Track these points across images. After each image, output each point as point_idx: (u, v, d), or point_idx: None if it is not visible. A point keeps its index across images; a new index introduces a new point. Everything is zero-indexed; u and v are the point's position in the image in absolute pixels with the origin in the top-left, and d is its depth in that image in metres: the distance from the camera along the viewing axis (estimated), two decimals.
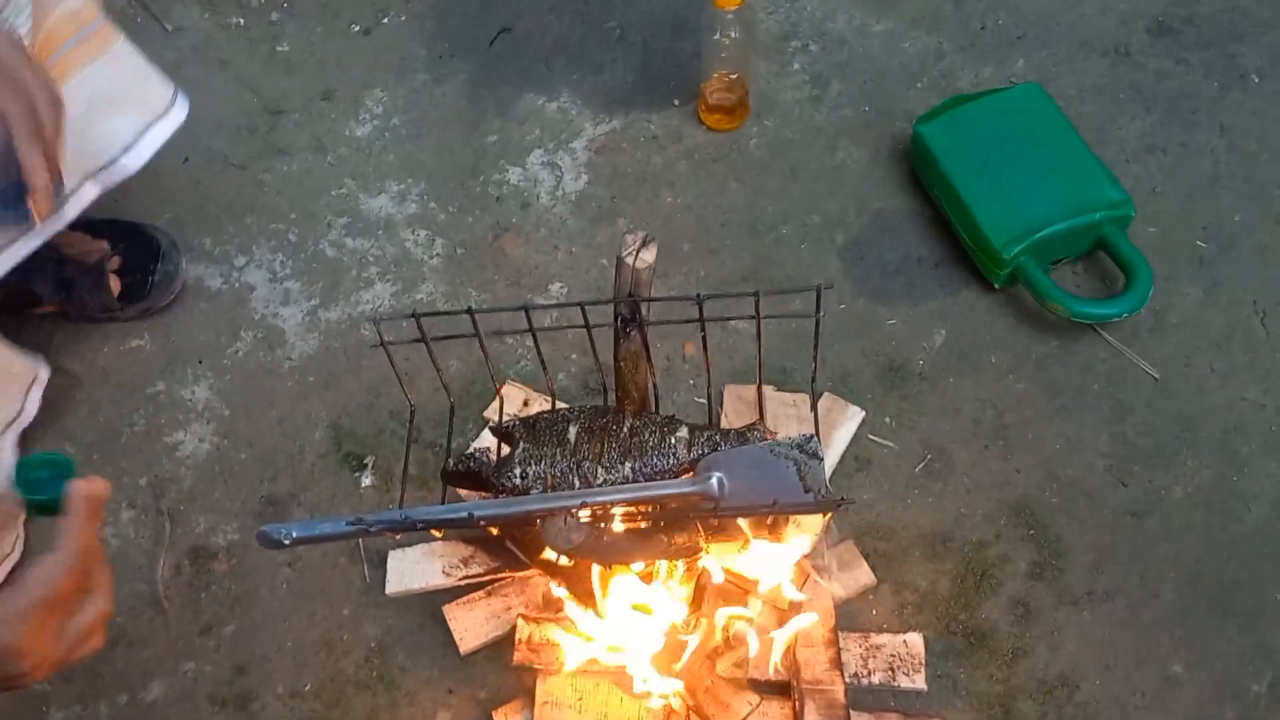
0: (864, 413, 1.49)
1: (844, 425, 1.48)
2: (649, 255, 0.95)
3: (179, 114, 1.41)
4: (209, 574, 1.43)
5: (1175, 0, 1.86)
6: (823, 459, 0.95)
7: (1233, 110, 1.74)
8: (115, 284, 1.57)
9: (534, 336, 1.01)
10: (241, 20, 1.93)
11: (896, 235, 1.66)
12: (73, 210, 1.32)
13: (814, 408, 1.10)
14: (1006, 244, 1.52)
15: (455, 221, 1.71)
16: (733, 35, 1.62)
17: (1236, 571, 1.38)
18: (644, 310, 0.97)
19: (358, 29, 1.91)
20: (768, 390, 1.47)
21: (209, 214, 1.72)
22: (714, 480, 0.95)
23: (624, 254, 0.95)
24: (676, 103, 1.80)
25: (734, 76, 1.70)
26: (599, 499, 0.94)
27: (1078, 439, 1.48)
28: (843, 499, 0.92)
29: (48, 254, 1.53)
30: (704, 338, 0.99)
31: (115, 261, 1.57)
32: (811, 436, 0.97)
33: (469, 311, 0.98)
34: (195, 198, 1.73)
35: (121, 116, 1.36)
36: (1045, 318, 1.55)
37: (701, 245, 1.66)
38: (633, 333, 0.98)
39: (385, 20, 1.92)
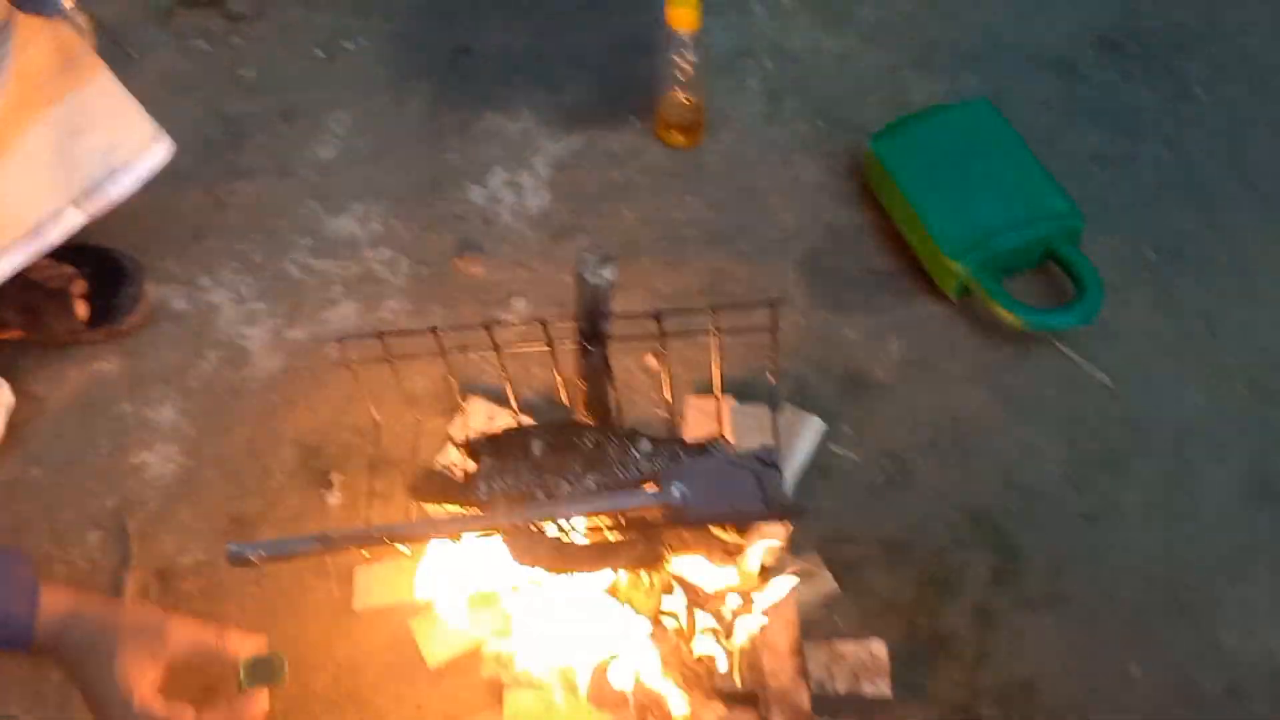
0: (824, 424, 1.51)
1: (804, 436, 1.50)
2: (608, 272, 0.97)
3: (163, 150, 1.45)
4: (177, 595, 1.43)
5: (1120, 16, 1.91)
6: (781, 469, 0.97)
7: (1178, 122, 1.79)
8: (81, 308, 1.57)
9: (498, 353, 1.03)
10: (205, 45, 1.94)
11: (852, 248, 1.70)
12: (56, 235, 1.36)
13: (773, 419, 1.12)
14: (958, 255, 1.56)
15: (418, 240, 1.72)
16: (688, 56, 1.65)
17: (1189, 573, 1.41)
18: (605, 327, 1.00)
19: (320, 53, 1.93)
20: (729, 402, 1.49)
21: (172, 236, 1.73)
22: (675, 490, 0.98)
23: (584, 271, 0.97)
24: (635, 121, 1.83)
25: (690, 97, 1.73)
26: (564, 511, 0.96)
27: (1034, 446, 1.51)
28: (801, 506, 0.94)
29: (13, 279, 1.53)
30: (664, 354, 1.01)
31: (81, 285, 1.57)
32: (770, 447, 0.99)
33: (433, 331, 1.00)
34: (159, 220, 1.74)
35: (107, 145, 1.39)
36: (1000, 328, 1.59)
37: (660, 259, 1.68)
38: (594, 350, 1.00)
39: (347, 44, 1.94)
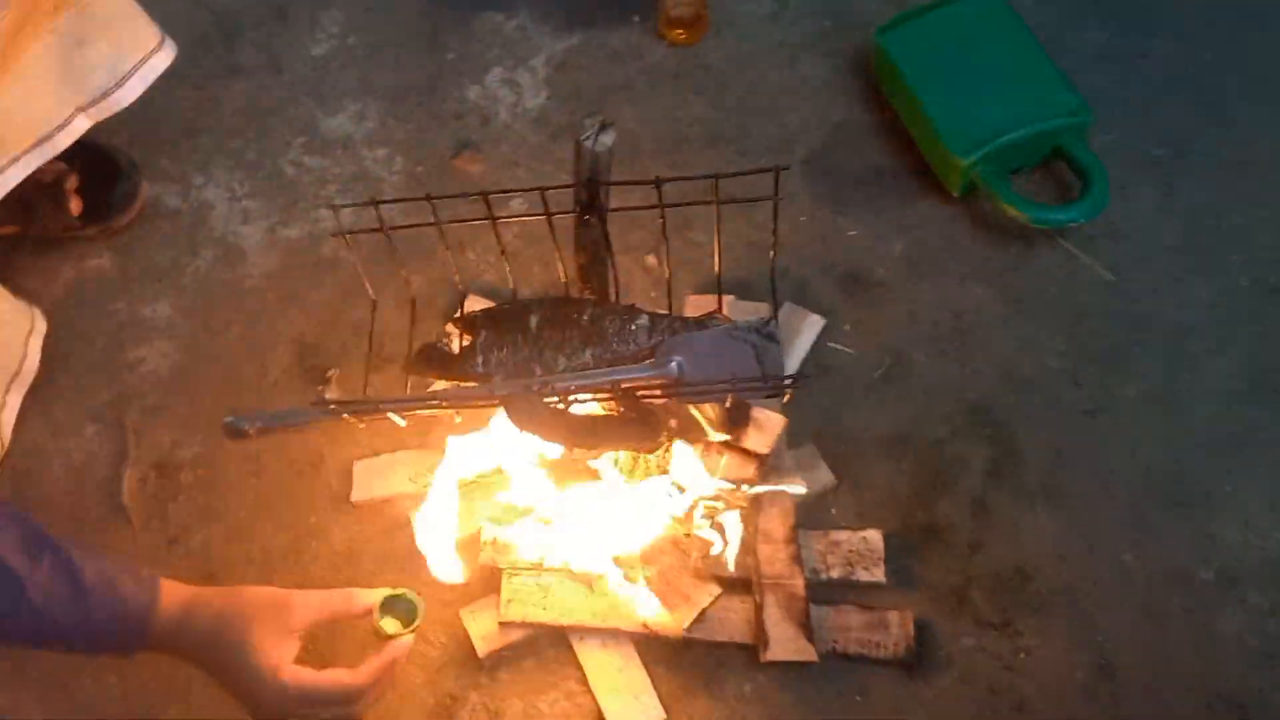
0: (823, 320, 1.50)
1: (804, 333, 1.49)
2: (608, 139, 0.96)
3: (168, 55, 1.44)
4: (175, 486, 1.43)
5: None
6: (779, 340, 0.96)
7: (1188, 18, 1.76)
8: (75, 203, 1.56)
9: (494, 226, 1.01)
10: None
11: (857, 147, 1.67)
12: (65, 140, 1.37)
13: (773, 293, 1.11)
14: (965, 151, 1.53)
15: (414, 139, 1.70)
16: None
17: (1187, 466, 1.41)
18: (604, 195, 0.98)
19: None
20: (729, 299, 1.48)
21: (166, 134, 1.71)
22: (673, 364, 0.97)
23: (583, 138, 0.95)
24: (636, 18, 1.79)
25: None
26: (561, 383, 0.95)
27: (1034, 341, 1.50)
28: (800, 376, 0.94)
29: None
30: (663, 223, 1.00)
31: (74, 180, 1.56)
32: (769, 319, 0.98)
33: (428, 198, 0.98)
34: (152, 117, 1.71)
35: (112, 51, 1.39)
36: (1004, 225, 1.57)
37: (662, 159, 1.66)
38: (592, 219, 0.99)
39: None
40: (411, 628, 1.11)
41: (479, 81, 1.75)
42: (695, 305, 1.50)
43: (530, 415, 0.90)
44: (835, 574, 1.33)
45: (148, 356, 1.52)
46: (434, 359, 1.00)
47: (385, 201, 0.99)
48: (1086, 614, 1.32)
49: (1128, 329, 1.51)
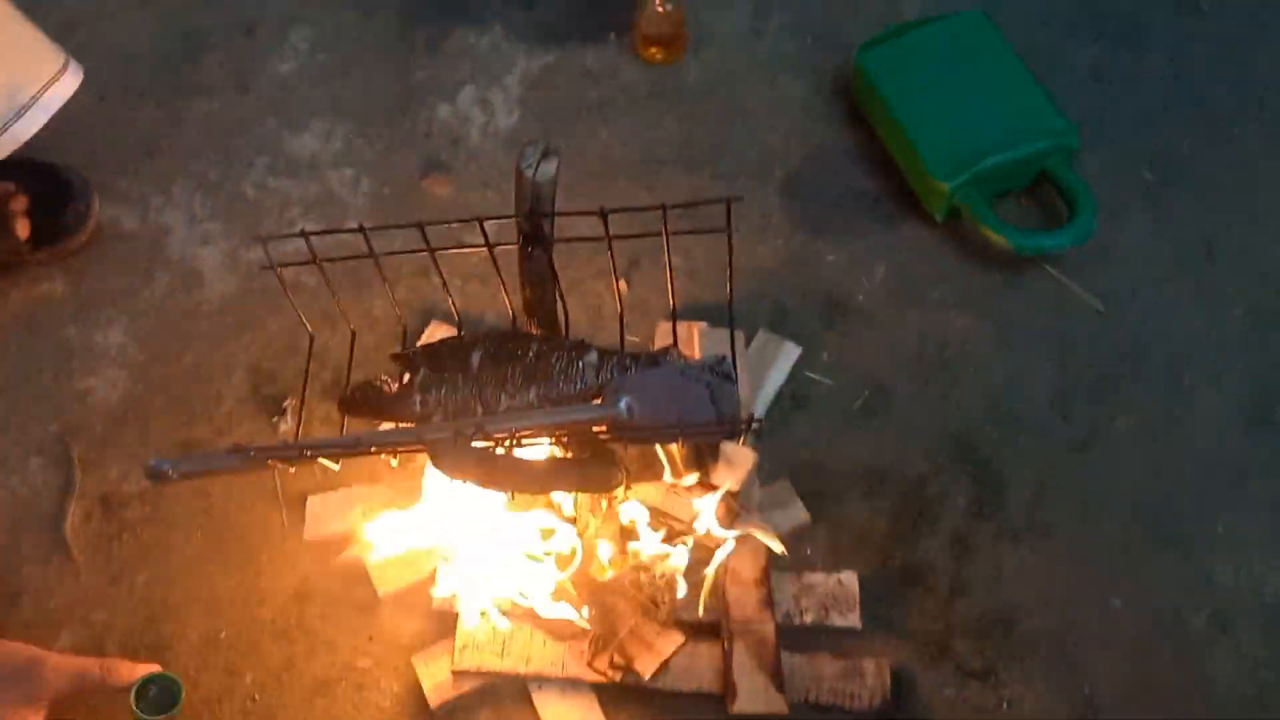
0: (800, 349, 1.45)
1: (779, 362, 1.43)
2: (550, 167, 0.90)
3: (72, 81, 1.37)
4: (120, 522, 1.37)
5: None
6: (735, 380, 0.90)
7: (1183, 38, 1.70)
8: (23, 225, 1.50)
9: (432, 257, 0.96)
10: None
11: (837, 170, 1.62)
12: None
13: (730, 330, 1.05)
14: (947, 174, 1.48)
15: (382, 160, 1.65)
16: None
17: (1179, 502, 1.35)
18: (548, 226, 0.92)
19: None
20: (701, 325, 1.42)
21: (125, 153, 1.65)
22: (622, 404, 0.91)
23: (523, 166, 0.89)
24: (612, 36, 1.74)
25: (669, 7, 1.64)
26: (500, 425, 0.89)
27: (1021, 373, 1.44)
28: (752, 420, 0.87)
29: None
30: (611, 255, 0.94)
31: (22, 201, 1.50)
32: (724, 357, 0.92)
33: (360, 230, 0.92)
34: (111, 136, 1.66)
35: (9, 83, 1.31)
36: (990, 252, 1.51)
37: (637, 180, 1.61)
38: (536, 251, 0.93)
39: None
40: (169, 715, 1.06)
41: (450, 100, 1.70)
42: (665, 332, 1.43)
43: (457, 462, 0.84)
44: (809, 618, 1.26)
45: (98, 385, 1.47)
46: (369, 399, 0.94)
47: (315, 233, 0.93)
48: (1072, 661, 1.26)
49: (1118, 359, 1.45)
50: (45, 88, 1.33)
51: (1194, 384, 1.42)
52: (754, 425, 0.88)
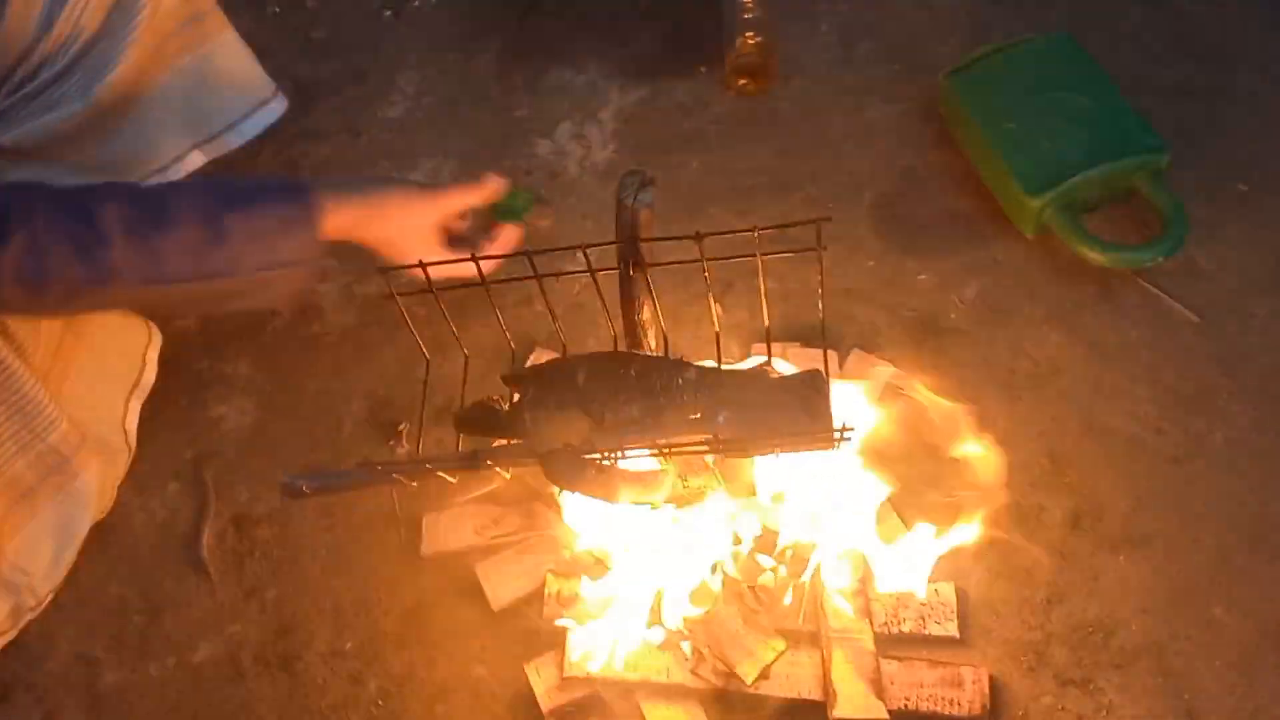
0: (892, 368, 1.48)
1: (872, 381, 1.46)
2: (647, 196, 0.96)
3: (279, 106, 1.53)
4: (252, 541, 1.46)
5: None
6: (827, 394, 0.94)
7: (1271, 54, 1.70)
8: None
9: (540, 283, 1.02)
10: (278, 9, 1.98)
11: (926, 191, 1.65)
12: (180, 172, 1.45)
13: (824, 347, 1.10)
14: (1036, 190, 1.50)
15: None
16: None
17: (1277, 514, 1.34)
18: (645, 251, 0.98)
19: (388, 13, 1.95)
20: (795, 347, 1.47)
21: None
22: (720, 418, 0.96)
23: (622, 196, 0.96)
24: (703, 70, 1.81)
25: (759, 39, 1.70)
26: (607, 441, 0.95)
27: (1115, 386, 1.45)
28: (845, 430, 0.92)
29: None
30: (706, 277, 1.00)
31: None
32: (817, 371, 0.96)
33: (473, 259, 0.99)
34: None
35: (229, 98, 1.48)
36: (1081, 266, 1.53)
37: (729, 207, 1.66)
38: (635, 275, 0.99)
39: (415, 3, 1.95)
40: (518, 217, 1.22)
41: (548, 136, 1.78)
42: (760, 352, 1.47)
43: (569, 473, 0.90)
44: (906, 627, 1.29)
45: (228, 413, 1.57)
46: (481, 418, 1.01)
47: (432, 264, 1.00)
48: (1173, 670, 1.27)
49: (1214, 372, 1.45)
50: (258, 107, 1.51)
51: None
52: (845, 435, 0.92)
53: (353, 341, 1.62)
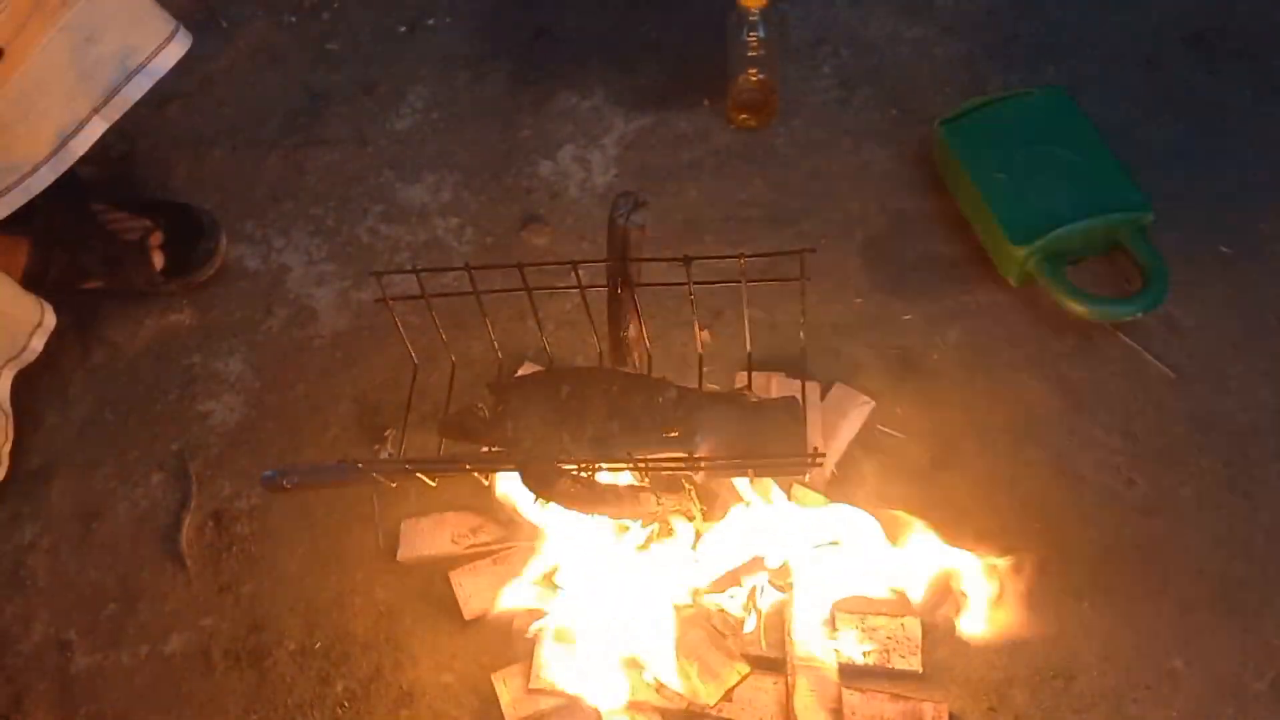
0: (873, 403, 1.50)
1: (853, 414, 1.49)
2: (639, 217, 0.99)
3: (180, 45, 1.41)
4: (231, 536, 1.48)
5: (1211, 14, 1.86)
6: (803, 420, 0.97)
7: (1265, 122, 1.74)
8: (158, 258, 1.64)
9: (530, 296, 1.05)
10: (294, 19, 2.01)
11: (916, 235, 1.68)
12: (82, 146, 1.36)
13: (803, 378, 1.12)
14: (1022, 240, 1.53)
15: (486, 210, 1.76)
16: (759, 35, 1.65)
17: (1242, 571, 1.36)
18: (635, 271, 1.01)
19: (404, 29, 1.98)
20: (778, 377, 1.50)
21: (253, 198, 1.80)
22: (696, 438, 0.98)
23: (616, 214, 0.98)
24: (706, 103, 1.84)
25: (761, 76, 1.73)
26: (581, 453, 0.97)
27: (1089, 436, 1.48)
28: (815, 453, 0.94)
29: (94, 231, 1.61)
30: (691, 300, 1.02)
31: (158, 236, 1.65)
32: (793, 398, 0.99)
33: (466, 267, 1.02)
34: (240, 183, 1.81)
35: (123, 47, 1.37)
36: (1062, 317, 1.56)
37: (723, 238, 1.69)
38: (623, 294, 1.02)
39: (430, 21, 1.99)
40: None
41: (551, 157, 1.81)
42: (743, 380, 1.50)
43: (546, 482, 0.92)
44: (870, 659, 1.31)
45: (217, 409, 1.59)
46: (465, 424, 1.03)
47: (426, 270, 1.03)
48: (1131, 717, 1.28)
49: (1188, 428, 1.47)
50: (154, 54, 1.39)
51: (1262, 457, 1.45)
52: (819, 460, 0.94)
53: (344, 346, 1.64)
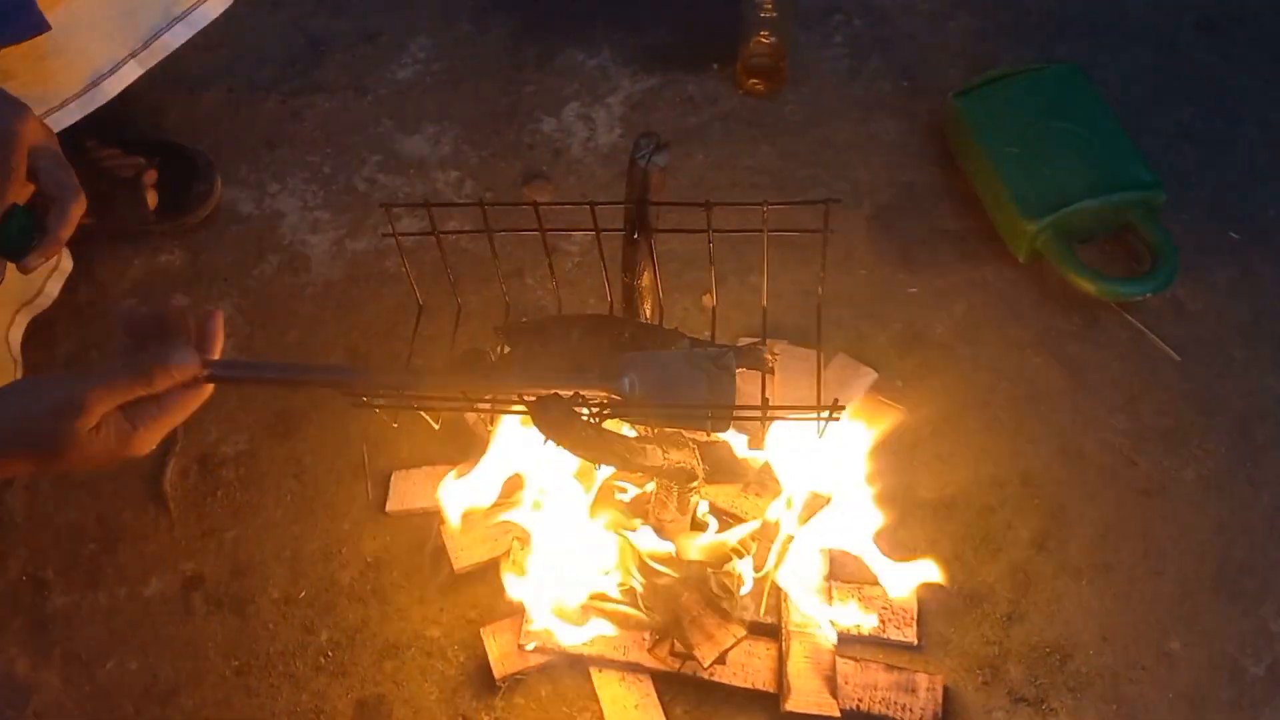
0: (875, 374, 1.48)
1: (855, 384, 1.47)
2: (661, 159, 0.96)
3: (221, 2, 1.41)
4: (216, 480, 1.45)
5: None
6: (733, 373, 0.93)
7: (1277, 109, 1.72)
8: (151, 197, 1.60)
9: (544, 236, 1.02)
10: None
11: (925, 207, 1.66)
12: (115, 87, 1.34)
13: (818, 330, 1.09)
14: (1034, 215, 1.51)
15: (486, 165, 1.72)
16: None
17: (1243, 555, 1.36)
18: (654, 216, 0.98)
19: None
20: (783, 344, 1.47)
21: (248, 143, 1.75)
22: (625, 381, 0.92)
23: (636, 155, 0.95)
24: (715, 67, 1.81)
25: (773, 39, 1.71)
26: (508, 384, 0.93)
27: (1092, 415, 1.46)
28: (835, 404, 0.91)
29: (86, 168, 1.57)
30: (710, 246, 0.99)
31: (152, 175, 1.60)
32: (726, 350, 0.95)
33: (480, 204, 0.99)
34: (236, 127, 1.77)
35: None
36: (1068, 295, 1.54)
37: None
38: (640, 239, 0.99)
39: None
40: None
41: (555, 115, 1.78)
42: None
43: (559, 424, 0.89)
44: (866, 629, 1.29)
45: None
46: (471, 364, 1.00)
47: (439, 205, 1.00)
48: (1126, 698, 1.27)
49: (1191, 410, 1.46)
50: (199, 2, 1.38)
51: (1265, 442, 1.44)
52: (743, 415, 0.91)
53: (338, 296, 1.60)
